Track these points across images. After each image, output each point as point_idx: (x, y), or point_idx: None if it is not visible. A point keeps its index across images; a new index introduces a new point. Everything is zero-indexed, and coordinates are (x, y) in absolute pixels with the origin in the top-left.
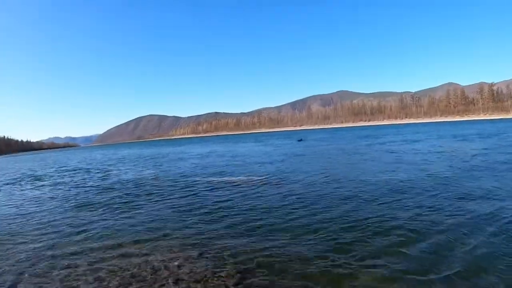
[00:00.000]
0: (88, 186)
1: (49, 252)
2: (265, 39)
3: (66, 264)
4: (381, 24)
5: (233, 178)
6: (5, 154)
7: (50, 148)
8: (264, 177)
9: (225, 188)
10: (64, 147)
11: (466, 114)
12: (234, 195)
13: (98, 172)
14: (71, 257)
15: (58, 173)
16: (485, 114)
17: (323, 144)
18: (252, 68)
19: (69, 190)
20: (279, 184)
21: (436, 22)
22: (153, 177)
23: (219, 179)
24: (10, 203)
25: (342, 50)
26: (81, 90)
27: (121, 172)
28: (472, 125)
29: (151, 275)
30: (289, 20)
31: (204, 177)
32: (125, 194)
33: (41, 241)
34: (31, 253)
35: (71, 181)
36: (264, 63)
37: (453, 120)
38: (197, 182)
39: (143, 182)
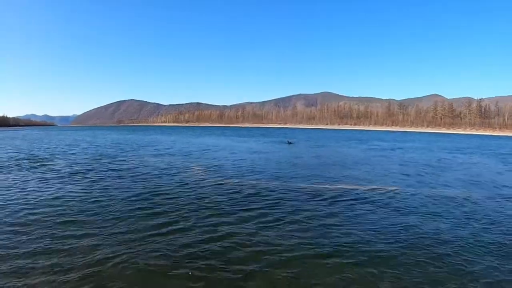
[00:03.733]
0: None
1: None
2: (250, 35)
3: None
4: (368, 29)
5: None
6: None
7: (27, 125)
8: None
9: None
10: (41, 125)
11: (452, 127)
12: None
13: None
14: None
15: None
16: (472, 129)
17: (351, 145)
18: (236, 63)
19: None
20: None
21: (423, 34)
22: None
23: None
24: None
25: (328, 52)
26: (61, 68)
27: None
28: (467, 139)
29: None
30: (276, 17)
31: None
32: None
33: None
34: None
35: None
36: (248, 58)
37: (439, 132)
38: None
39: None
